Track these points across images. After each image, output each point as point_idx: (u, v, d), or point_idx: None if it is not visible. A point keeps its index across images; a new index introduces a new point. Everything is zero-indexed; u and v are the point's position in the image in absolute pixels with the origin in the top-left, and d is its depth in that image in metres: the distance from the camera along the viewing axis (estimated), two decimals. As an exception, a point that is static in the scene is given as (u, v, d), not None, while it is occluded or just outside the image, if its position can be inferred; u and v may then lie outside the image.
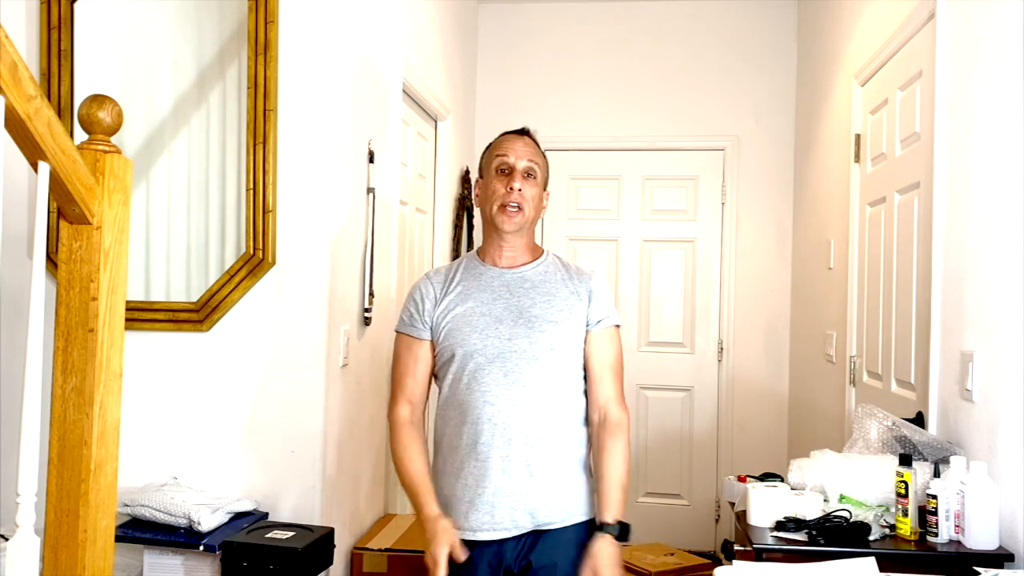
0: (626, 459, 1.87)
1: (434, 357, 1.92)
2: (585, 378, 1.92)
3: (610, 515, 1.83)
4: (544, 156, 1.97)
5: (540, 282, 1.92)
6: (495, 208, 1.89)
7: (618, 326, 1.96)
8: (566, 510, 1.85)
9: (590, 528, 1.86)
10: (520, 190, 1.87)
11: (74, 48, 2.59)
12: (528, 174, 1.90)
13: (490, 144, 1.99)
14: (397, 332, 1.96)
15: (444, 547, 1.74)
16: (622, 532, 1.82)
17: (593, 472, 1.92)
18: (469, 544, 1.80)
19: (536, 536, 1.84)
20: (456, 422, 1.86)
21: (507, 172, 1.89)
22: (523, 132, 1.97)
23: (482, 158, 1.99)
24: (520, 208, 1.88)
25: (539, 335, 1.85)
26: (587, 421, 1.92)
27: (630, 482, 1.92)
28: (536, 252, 1.97)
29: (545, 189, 1.97)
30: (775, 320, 4.43)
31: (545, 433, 1.84)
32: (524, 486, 1.82)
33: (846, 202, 3.33)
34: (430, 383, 1.96)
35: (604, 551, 1.79)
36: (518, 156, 1.90)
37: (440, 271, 1.98)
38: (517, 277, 1.92)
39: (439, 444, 1.92)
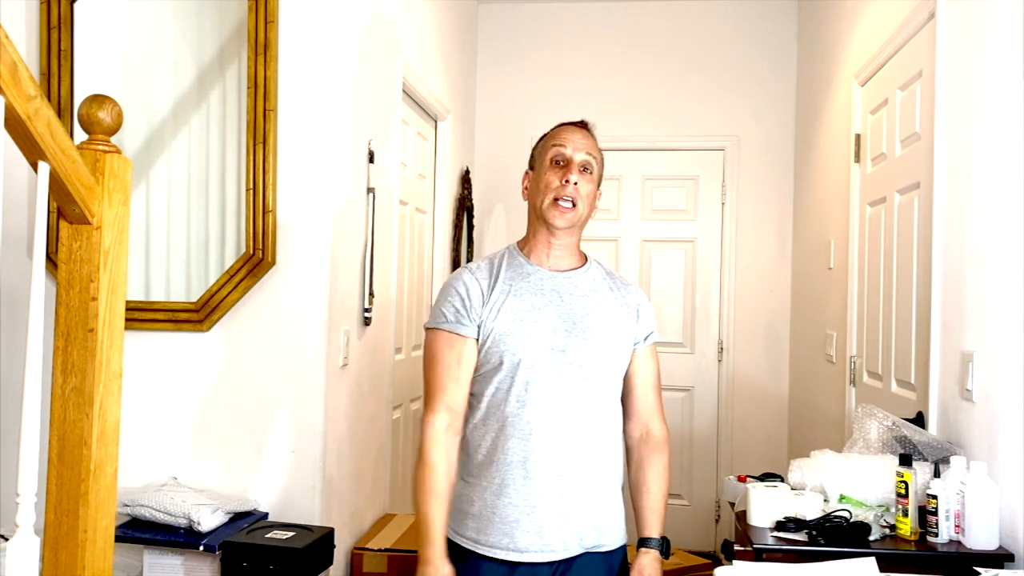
0: (668, 476, 1.83)
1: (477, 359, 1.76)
2: (623, 394, 1.84)
3: (654, 530, 1.78)
4: (601, 152, 1.84)
5: (591, 291, 1.80)
6: (547, 202, 1.75)
7: (656, 340, 1.89)
8: (612, 532, 1.77)
9: (625, 553, 1.81)
10: (576, 184, 1.75)
11: (74, 48, 2.59)
12: (585, 168, 1.77)
13: (545, 134, 1.85)
14: (434, 329, 1.76)
15: None
16: (665, 548, 1.78)
17: (631, 488, 1.84)
18: (509, 565, 1.70)
19: (573, 558, 1.73)
20: (500, 435, 1.71)
21: (563, 164, 1.76)
22: (582, 124, 1.83)
23: (534, 148, 1.86)
24: (574, 204, 1.75)
25: (595, 348, 1.74)
26: (625, 438, 1.85)
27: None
28: (582, 256, 1.86)
29: (599, 187, 1.83)
30: (775, 320, 4.43)
31: (595, 451, 1.74)
32: (576, 506, 1.71)
33: (846, 202, 3.33)
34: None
35: (649, 566, 1.75)
36: (576, 148, 1.77)
37: (481, 266, 1.81)
38: (568, 283, 1.79)
39: (474, 456, 1.76)
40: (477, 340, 1.73)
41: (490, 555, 1.71)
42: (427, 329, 1.79)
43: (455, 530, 1.77)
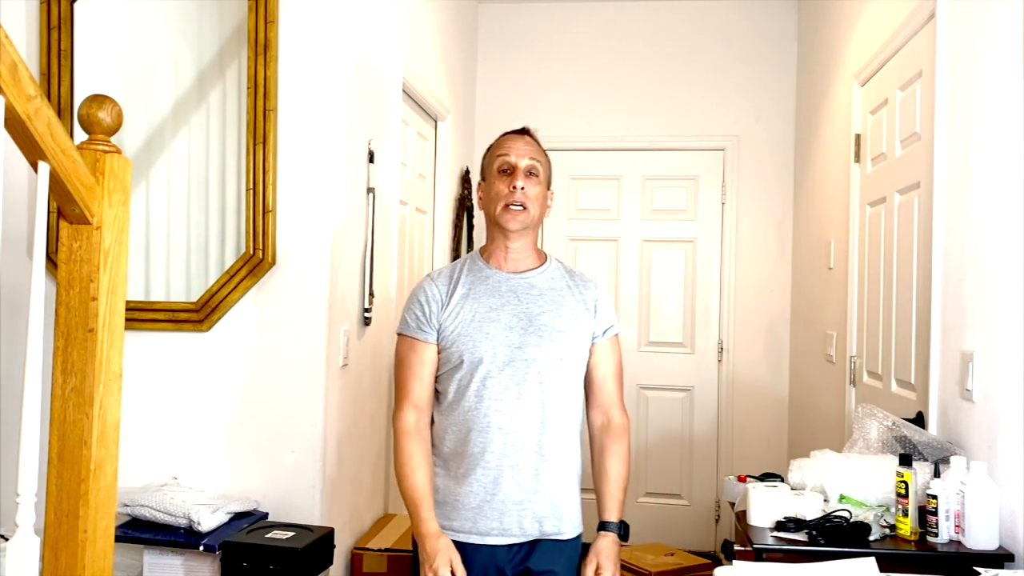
0: (627, 462, 1.94)
1: (438, 361, 1.89)
2: (586, 385, 1.95)
3: (613, 514, 1.89)
4: (546, 155, 1.95)
5: (547, 289, 1.91)
6: (499, 208, 1.86)
7: (617, 333, 1.99)
8: (570, 520, 1.89)
9: (580, 542, 1.92)
10: (523, 189, 1.85)
11: (74, 48, 2.59)
12: (530, 173, 1.88)
13: (490, 146, 1.97)
14: (401, 335, 1.92)
15: (446, 566, 1.76)
16: (623, 531, 1.89)
17: (593, 474, 1.95)
18: (472, 547, 1.83)
19: (533, 543, 1.86)
20: (462, 428, 1.85)
21: (509, 172, 1.87)
22: (523, 131, 1.95)
23: (483, 160, 1.98)
24: (524, 207, 1.86)
25: (549, 344, 1.84)
26: (588, 427, 1.96)
27: (629, 484, 1.97)
28: (540, 257, 1.96)
29: (549, 188, 1.95)
30: (775, 320, 4.43)
31: (552, 442, 1.85)
32: (533, 494, 1.84)
33: (846, 202, 3.33)
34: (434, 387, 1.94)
35: (608, 548, 1.85)
36: (519, 155, 1.88)
37: (442, 273, 1.94)
38: (524, 283, 1.90)
39: (440, 447, 1.90)
40: (438, 343, 1.87)
41: (454, 539, 1.82)
42: (397, 334, 1.94)
43: None
